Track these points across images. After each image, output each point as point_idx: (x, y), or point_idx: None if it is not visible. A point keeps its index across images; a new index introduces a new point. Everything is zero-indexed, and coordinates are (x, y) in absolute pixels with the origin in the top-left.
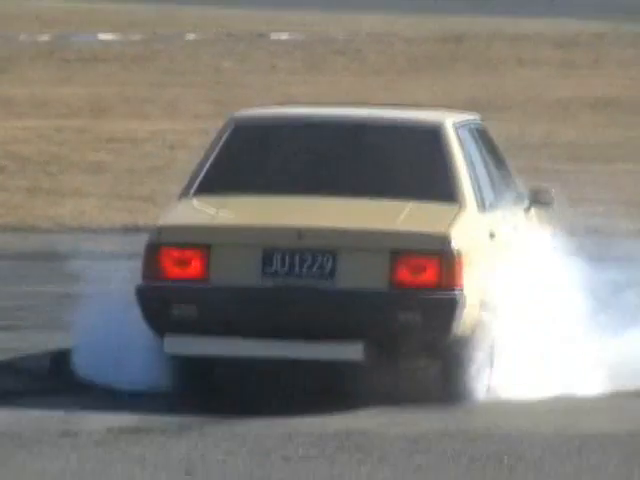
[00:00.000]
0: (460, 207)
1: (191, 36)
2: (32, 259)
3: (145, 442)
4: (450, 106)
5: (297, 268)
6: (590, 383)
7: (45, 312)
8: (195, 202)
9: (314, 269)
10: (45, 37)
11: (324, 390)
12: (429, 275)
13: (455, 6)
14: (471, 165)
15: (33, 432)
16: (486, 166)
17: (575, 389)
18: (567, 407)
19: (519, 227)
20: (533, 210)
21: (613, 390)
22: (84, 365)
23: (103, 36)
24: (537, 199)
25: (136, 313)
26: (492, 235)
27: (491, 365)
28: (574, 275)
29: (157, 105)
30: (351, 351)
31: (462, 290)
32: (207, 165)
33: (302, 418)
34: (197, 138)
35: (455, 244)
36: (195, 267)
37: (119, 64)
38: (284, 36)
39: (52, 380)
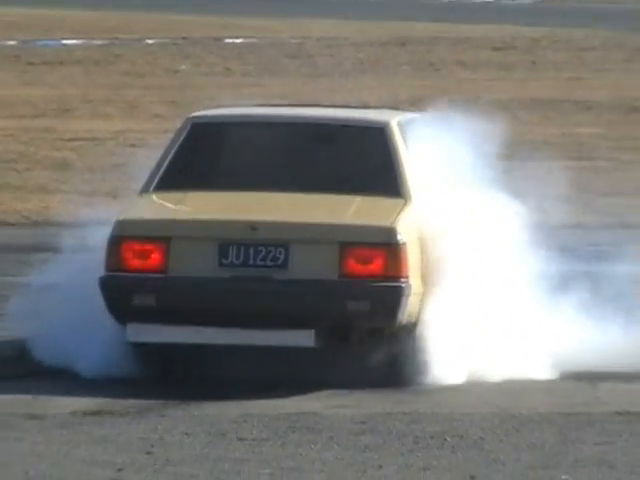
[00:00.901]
0: (405, 201)
1: (150, 41)
2: (0, 251)
3: (107, 424)
4: (394, 106)
5: (251, 259)
6: (531, 366)
7: (12, 301)
8: (154, 197)
9: (267, 260)
10: (12, 42)
11: (276, 375)
12: (376, 266)
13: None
14: (414, 160)
15: (0, 415)
16: (429, 161)
17: (516, 372)
18: (507, 389)
19: (461, 218)
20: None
21: (552, 373)
22: (46, 352)
23: (67, 41)
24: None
25: (96, 302)
26: (433, 225)
27: (435, 350)
28: (520, 263)
29: (118, 106)
30: (303, 338)
31: (407, 279)
32: (166, 163)
33: (256, 401)
34: (156, 137)
35: (400, 236)
36: (155, 259)
37: (82, 67)
38: (238, 40)
39: (17, 366)
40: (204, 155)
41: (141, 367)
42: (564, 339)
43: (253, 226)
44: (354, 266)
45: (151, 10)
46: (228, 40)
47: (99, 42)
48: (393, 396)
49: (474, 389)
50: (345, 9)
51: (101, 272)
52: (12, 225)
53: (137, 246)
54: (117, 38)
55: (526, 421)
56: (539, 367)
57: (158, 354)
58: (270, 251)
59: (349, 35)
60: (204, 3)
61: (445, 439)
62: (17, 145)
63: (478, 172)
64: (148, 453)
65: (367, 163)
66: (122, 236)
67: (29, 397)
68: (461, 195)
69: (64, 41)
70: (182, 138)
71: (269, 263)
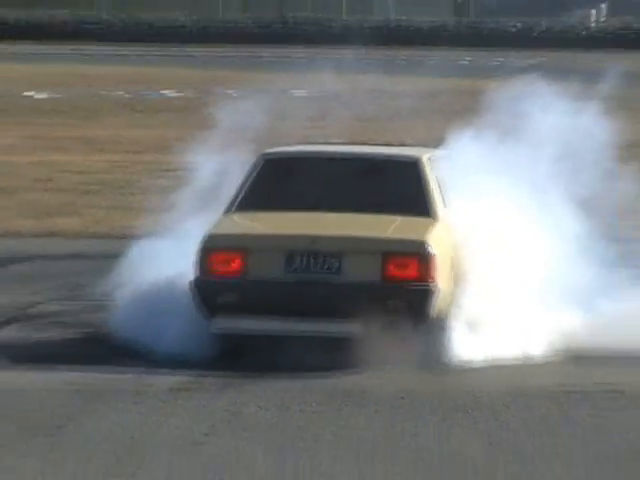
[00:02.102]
0: (434, 220)
1: (231, 91)
2: (111, 258)
3: (195, 398)
4: (426, 144)
5: (312, 267)
6: (539, 347)
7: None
8: (235, 217)
9: (325, 267)
10: (120, 92)
11: (331, 358)
12: (411, 271)
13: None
14: (441, 188)
15: (112, 390)
16: (451, 187)
17: (527, 353)
18: (518, 370)
19: (478, 231)
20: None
21: (557, 353)
22: (138, 337)
23: (164, 92)
24: None
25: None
26: (456, 239)
27: (459, 338)
28: (530, 265)
29: (202, 142)
30: (353, 328)
31: (436, 282)
32: (244, 189)
33: (314, 380)
34: (232, 167)
35: (430, 248)
36: (235, 266)
37: (175, 113)
38: (302, 91)
39: (123, 349)
40: (274, 183)
41: (218, 350)
42: (566, 326)
43: (313, 240)
44: (393, 271)
45: (235, 69)
46: (294, 91)
47: (192, 94)
48: (425, 376)
49: (491, 370)
50: (389, 66)
51: (190, 276)
52: (119, 237)
53: (221, 255)
54: (207, 91)
55: (534, 397)
56: (548, 348)
57: (233, 340)
58: (327, 260)
59: (390, 88)
60: (279, 64)
61: (468, 411)
62: (125, 175)
63: (496, 195)
64: (228, 422)
65: (404, 190)
66: (210, 247)
67: (132, 376)
68: (480, 213)
69: (162, 92)
70: (257, 170)
71: (326, 270)
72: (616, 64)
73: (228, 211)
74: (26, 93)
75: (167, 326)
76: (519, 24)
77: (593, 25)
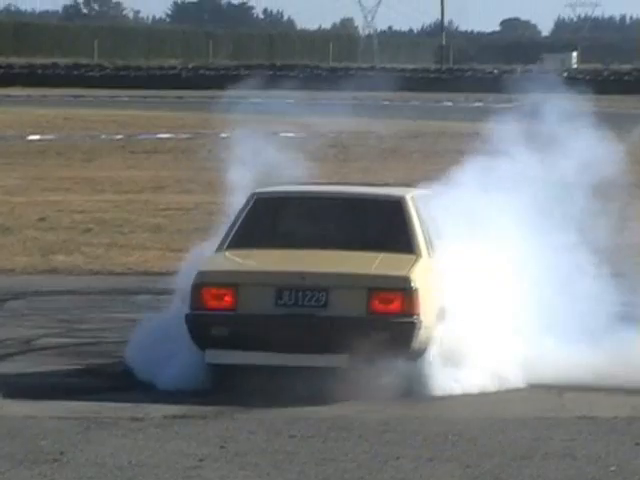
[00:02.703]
0: (416, 257)
1: (224, 135)
2: (109, 294)
3: (190, 425)
4: (409, 184)
5: (300, 301)
6: (511, 380)
7: (118, 331)
8: (227, 254)
9: (312, 302)
10: (119, 136)
11: (318, 389)
12: (395, 306)
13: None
14: (424, 225)
15: (111, 418)
16: (433, 225)
17: (500, 385)
18: (494, 398)
19: (458, 265)
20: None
21: (533, 383)
22: (141, 369)
23: (161, 135)
24: None
25: (178, 332)
26: (438, 274)
27: (439, 369)
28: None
29: (199, 184)
30: (339, 360)
31: (419, 316)
32: (235, 227)
33: (302, 408)
34: (228, 207)
35: (413, 283)
36: (227, 300)
37: (172, 155)
38: (290, 134)
39: (121, 380)
40: (264, 221)
41: (212, 381)
42: (537, 357)
43: (302, 276)
44: (378, 306)
45: (225, 112)
46: (282, 134)
47: (185, 135)
48: (407, 404)
49: (468, 398)
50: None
51: (185, 310)
52: (119, 274)
53: (214, 290)
54: (199, 133)
55: (508, 423)
56: (517, 381)
57: (225, 372)
58: (314, 295)
59: (374, 130)
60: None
61: (447, 437)
62: (123, 213)
63: (477, 232)
64: (222, 447)
65: (388, 228)
66: (203, 283)
67: (130, 405)
68: (462, 249)
69: (158, 135)
70: (248, 209)
71: (314, 304)
72: (588, 105)
73: (220, 249)
74: (31, 137)
75: (167, 357)
76: (496, 70)
77: (565, 71)
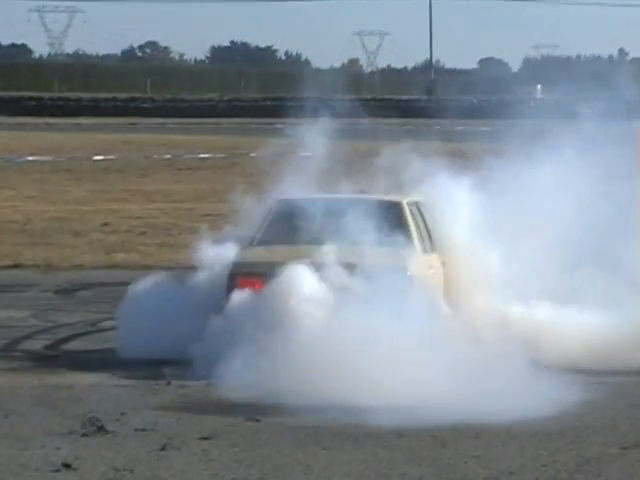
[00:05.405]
0: (413, 251)
1: (253, 154)
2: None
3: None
4: (403, 191)
5: None
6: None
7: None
8: (256, 249)
9: None
10: (168, 155)
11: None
12: None
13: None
14: (418, 226)
15: (160, 385)
16: (426, 226)
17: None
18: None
19: (450, 259)
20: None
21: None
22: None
23: (201, 154)
24: None
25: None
26: (430, 267)
27: None
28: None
29: (233, 194)
30: None
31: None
32: (263, 227)
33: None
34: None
35: (410, 272)
36: (258, 287)
37: (211, 171)
38: (308, 154)
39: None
40: (286, 222)
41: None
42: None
43: (318, 267)
44: None
45: (255, 136)
46: (302, 153)
47: (221, 155)
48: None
49: None
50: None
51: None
52: (169, 269)
53: (246, 278)
54: (232, 152)
55: (487, 433)
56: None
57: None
58: None
59: (379, 150)
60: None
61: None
62: (171, 219)
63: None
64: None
65: (389, 227)
66: (236, 272)
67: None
68: (450, 245)
69: (199, 155)
70: (272, 212)
71: None
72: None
73: (250, 244)
74: (96, 157)
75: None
76: (475, 100)
77: (532, 102)
